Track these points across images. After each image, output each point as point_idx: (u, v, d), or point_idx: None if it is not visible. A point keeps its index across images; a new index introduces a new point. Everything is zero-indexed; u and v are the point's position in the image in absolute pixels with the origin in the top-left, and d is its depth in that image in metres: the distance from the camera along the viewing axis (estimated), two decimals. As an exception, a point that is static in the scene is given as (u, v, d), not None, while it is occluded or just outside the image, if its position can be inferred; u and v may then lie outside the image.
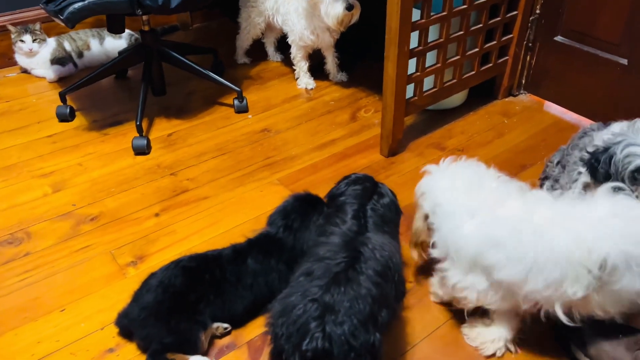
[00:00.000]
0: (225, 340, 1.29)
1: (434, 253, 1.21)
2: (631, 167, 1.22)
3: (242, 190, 1.79)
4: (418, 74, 1.86)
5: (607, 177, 1.27)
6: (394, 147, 1.92)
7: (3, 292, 1.42)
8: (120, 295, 1.38)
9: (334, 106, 2.27)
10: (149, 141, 1.99)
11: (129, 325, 1.26)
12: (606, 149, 1.29)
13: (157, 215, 1.68)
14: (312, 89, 2.40)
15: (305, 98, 2.34)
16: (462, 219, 1.12)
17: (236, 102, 2.22)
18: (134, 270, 1.49)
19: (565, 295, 1.03)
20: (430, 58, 1.88)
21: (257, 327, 1.31)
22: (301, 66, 2.40)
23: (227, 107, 2.26)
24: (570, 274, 1.01)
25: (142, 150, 1.97)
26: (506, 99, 2.26)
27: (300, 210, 1.37)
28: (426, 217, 1.25)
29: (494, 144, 1.99)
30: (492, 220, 1.09)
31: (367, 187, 1.22)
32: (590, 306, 1.06)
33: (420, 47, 1.81)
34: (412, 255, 1.36)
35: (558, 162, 1.57)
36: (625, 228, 1.00)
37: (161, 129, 2.13)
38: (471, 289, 1.15)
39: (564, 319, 1.08)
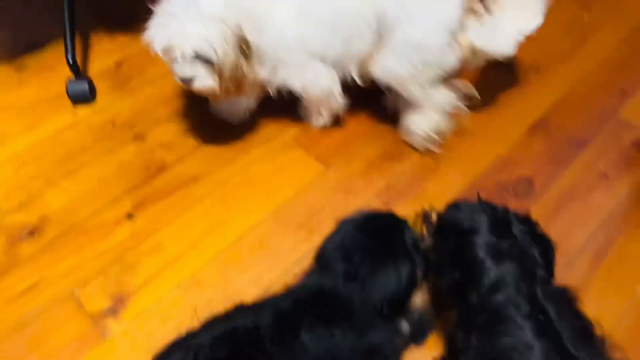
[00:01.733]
0: None
1: (263, 74, 1.11)
2: None
3: (246, 160, 1.24)
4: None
5: None
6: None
7: None
8: (103, 377, 0.92)
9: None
10: (91, 84, 1.35)
11: None
12: None
13: (129, 216, 1.14)
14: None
15: None
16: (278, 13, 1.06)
17: None
18: (115, 323, 1.00)
19: (355, 54, 1.11)
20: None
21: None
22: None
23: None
24: (355, 30, 1.07)
25: (84, 99, 1.34)
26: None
27: (367, 244, 0.88)
28: (243, 43, 1.03)
29: (577, 57, 1.46)
30: None
31: (519, 253, 0.73)
32: (379, 68, 1.11)
33: None
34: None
35: None
36: None
37: (103, 53, 1.46)
38: (320, 79, 1.13)
39: (359, 82, 1.15)
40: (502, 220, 0.78)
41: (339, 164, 1.23)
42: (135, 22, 1.43)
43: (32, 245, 1.10)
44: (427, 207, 0.99)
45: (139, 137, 1.28)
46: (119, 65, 1.43)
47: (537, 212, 1.12)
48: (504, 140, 1.27)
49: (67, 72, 1.35)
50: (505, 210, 0.80)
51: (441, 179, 1.20)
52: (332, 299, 0.87)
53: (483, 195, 0.91)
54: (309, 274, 0.94)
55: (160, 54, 1.03)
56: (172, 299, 1.03)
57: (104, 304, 1.02)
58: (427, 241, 0.93)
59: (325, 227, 0.95)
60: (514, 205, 1.02)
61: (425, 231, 0.94)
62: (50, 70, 1.41)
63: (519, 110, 1.33)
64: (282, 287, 0.92)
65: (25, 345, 0.98)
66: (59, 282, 1.05)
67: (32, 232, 1.12)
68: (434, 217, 0.93)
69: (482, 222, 0.77)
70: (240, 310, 0.90)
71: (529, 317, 0.69)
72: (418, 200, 1.14)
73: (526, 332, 0.68)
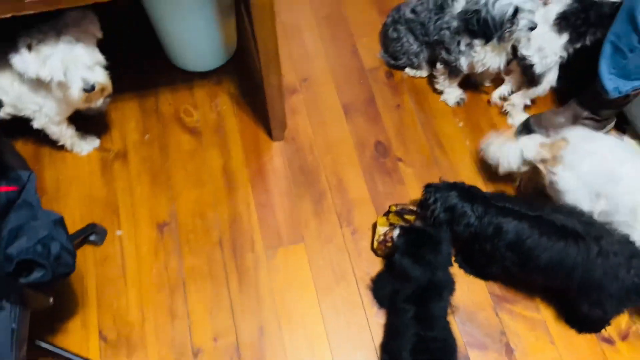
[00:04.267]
0: None
1: None
2: (508, 14, 1.57)
3: (264, 273, 1.64)
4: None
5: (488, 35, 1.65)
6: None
7: None
8: None
9: (157, 138, 1.88)
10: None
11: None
12: (476, 11, 1.61)
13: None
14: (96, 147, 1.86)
15: (108, 159, 1.85)
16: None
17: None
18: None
19: None
20: None
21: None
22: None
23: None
24: None
25: None
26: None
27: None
28: None
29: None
30: None
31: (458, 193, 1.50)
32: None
33: None
34: None
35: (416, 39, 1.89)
36: None
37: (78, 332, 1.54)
38: None
39: None
40: (467, 190, 1.51)
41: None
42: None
43: None
44: (392, 206, 1.63)
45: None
46: (104, 338, 1.56)
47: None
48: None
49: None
50: (454, 185, 1.52)
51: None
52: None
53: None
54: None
55: None
56: None
57: None
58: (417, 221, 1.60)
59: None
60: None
61: (403, 222, 1.61)
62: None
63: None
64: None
65: None
66: None
67: None
68: (411, 207, 1.64)
69: (453, 196, 1.48)
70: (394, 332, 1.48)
71: (509, 213, 1.43)
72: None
73: (509, 225, 1.41)
